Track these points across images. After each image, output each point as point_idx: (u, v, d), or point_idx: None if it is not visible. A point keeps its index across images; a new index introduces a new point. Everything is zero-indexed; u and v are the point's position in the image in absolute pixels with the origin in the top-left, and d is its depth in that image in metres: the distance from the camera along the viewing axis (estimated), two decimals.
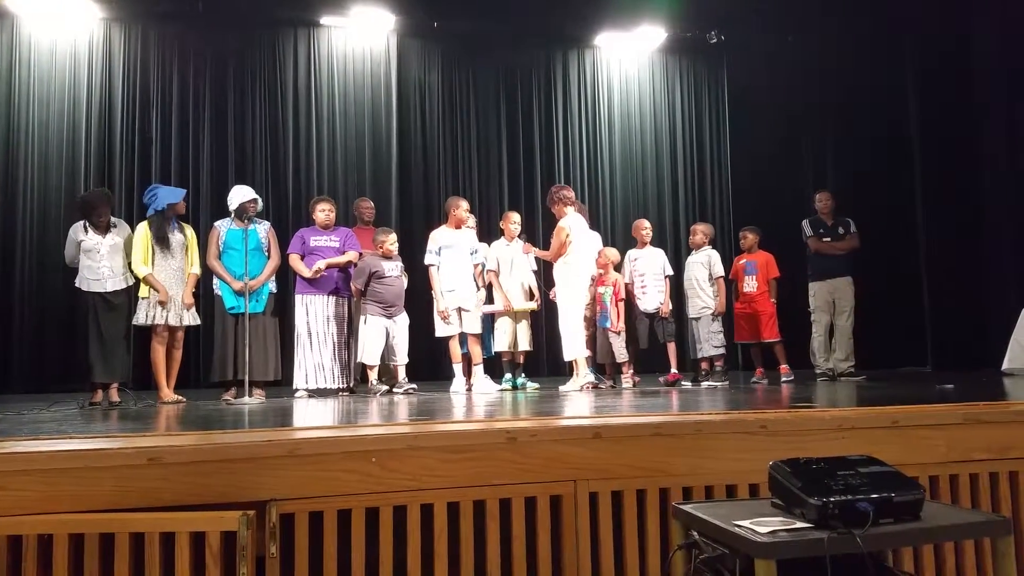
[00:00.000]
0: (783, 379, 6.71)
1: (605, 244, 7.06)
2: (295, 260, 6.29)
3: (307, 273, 6.17)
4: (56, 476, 2.18)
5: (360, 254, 6.39)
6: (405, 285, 6.53)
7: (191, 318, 5.76)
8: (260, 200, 6.18)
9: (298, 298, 6.26)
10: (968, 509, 2.56)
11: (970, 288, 7.89)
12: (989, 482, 2.79)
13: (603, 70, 10.54)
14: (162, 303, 5.55)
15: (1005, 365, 6.41)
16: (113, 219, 5.75)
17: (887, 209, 8.69)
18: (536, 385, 6.58)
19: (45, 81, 8.59)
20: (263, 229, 6.11)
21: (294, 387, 6.13)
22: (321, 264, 6.16)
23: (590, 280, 6.44)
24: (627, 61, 10.61)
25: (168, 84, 8.94)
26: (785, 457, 1.93)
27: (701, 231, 7.12)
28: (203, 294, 6.20)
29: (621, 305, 6.60)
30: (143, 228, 5.67)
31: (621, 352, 6.53)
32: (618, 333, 6.53)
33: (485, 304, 6.61)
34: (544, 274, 7.08)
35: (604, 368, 6.72)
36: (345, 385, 6.21)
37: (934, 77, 8.36)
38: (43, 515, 2.14)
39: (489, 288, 6.71)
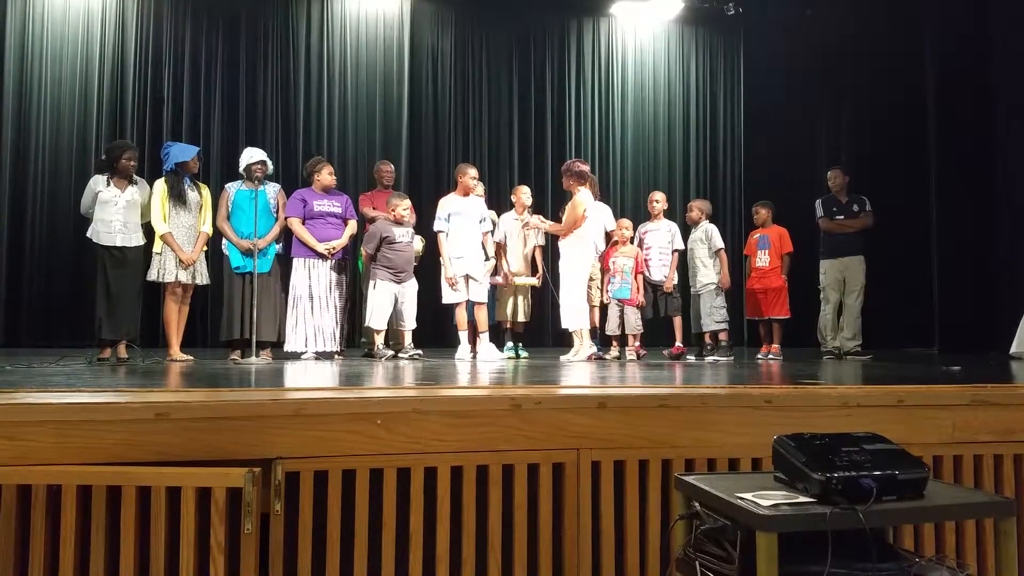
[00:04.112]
0: (770, 357, 6.71)
1: (614, 216, 7.04)
2: (298, 225, 6.05)
3: (320, 248, 6.00)
4: (65, 428, 2.20)
5: (373, 219, 6.37)
6: (417, 251, 6.51)
7: (203, 277, 5.81)
8: (269, 162, 6.15)
9: (298, 261, 6.07)
10: (972, 489, 2.56)
11: (979, 271, 7.84)
12: (993, 464, 2.79)
13: (618, 40, 10.42)
14: (184, 263, 5.63)
15: (1013, 349, 6.37)
16: (136, 177, 5.78)
17: (900, 189, 8.60)
18: (525, 354, 6.64)
19: (58, 39, 8.53)
20: (272, 190, 6.09)
21: (287, 349, 6.04)
22: (333, 247, 6.05)
23: (596, 254, 6.44)
24: (642, 31, 10.48)
25: (180, 44, 8.89)
26: (789, 432, 1.93)
27: (697, 207, 7.13)
28: (212, 254, 6.21)
29: (640, 278, 6.61)
30: (160, 185, 5.73)
31: (638, 324, 6.53)
32: (637, 306, 6.54)
33: (492, 274, 6.62)
34: (551, 249, 7.06)
35: (609, 340, 6.72)
36: (338, 348, 6.18)
37: (952, 55, 8.23)
38: (52, 466, 2.16)
39: (496, 257, 6.71)
